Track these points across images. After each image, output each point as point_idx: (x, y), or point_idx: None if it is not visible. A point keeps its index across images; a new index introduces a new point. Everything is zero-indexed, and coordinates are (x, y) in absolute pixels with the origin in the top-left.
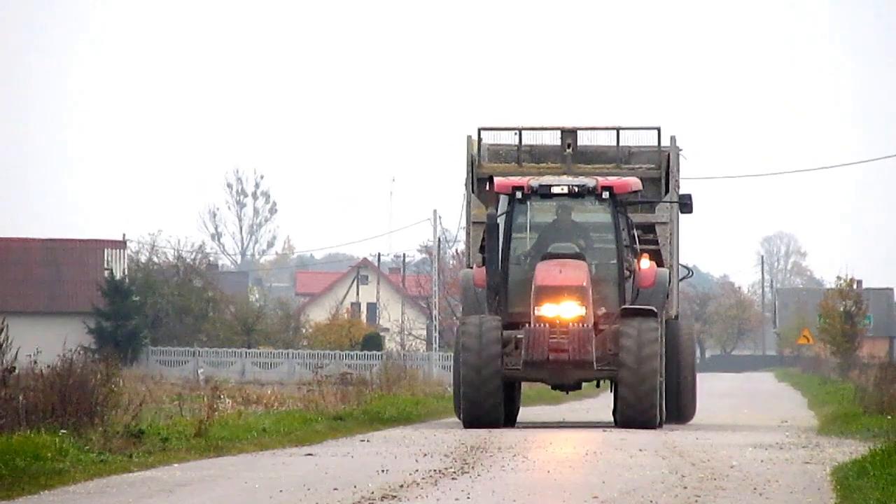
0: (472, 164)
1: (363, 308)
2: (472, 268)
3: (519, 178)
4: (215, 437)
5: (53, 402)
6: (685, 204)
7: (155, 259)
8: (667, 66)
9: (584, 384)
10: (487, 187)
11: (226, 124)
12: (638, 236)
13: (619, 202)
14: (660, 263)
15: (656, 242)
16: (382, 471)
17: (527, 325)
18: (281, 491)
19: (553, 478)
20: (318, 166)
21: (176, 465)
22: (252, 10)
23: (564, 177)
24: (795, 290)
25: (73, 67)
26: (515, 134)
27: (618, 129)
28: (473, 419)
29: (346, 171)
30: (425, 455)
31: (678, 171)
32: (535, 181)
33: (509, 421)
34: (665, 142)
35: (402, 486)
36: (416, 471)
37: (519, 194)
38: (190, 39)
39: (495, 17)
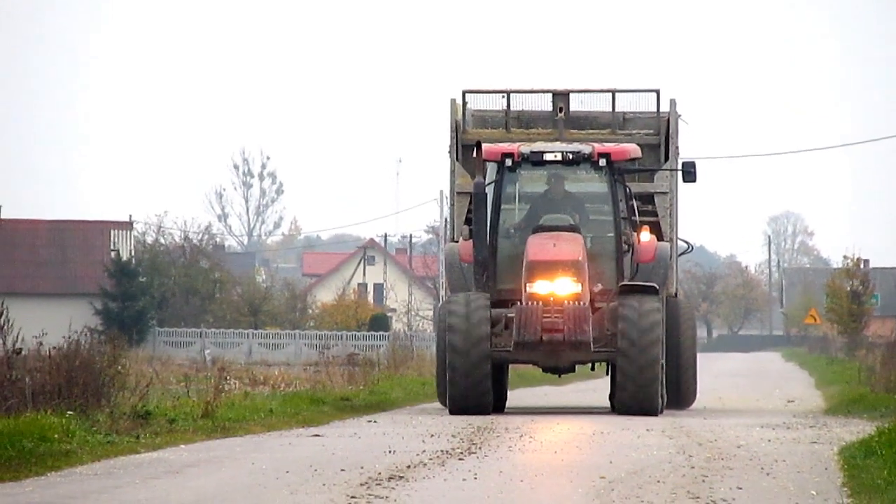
0: (457, 130)
1: (370, 289)
2: (457, 241)
3: (508, 144)
4: (222, 419)
5: (60, 384)
6: (688, 172)
7: (161, 240)
8: (667, 37)
9: (577, 367)
10: (474, 154)
11: (232, 105)
12: (637, 207)
13: (616, 170)
14: (659, 236)
15: (655, 214)
16: (390, 451)
17: (518, 302)
18: (288, 472)
19: (560, 458)
20: (325, 147)
21: (183, 446)
22: None
23: (557, 143)
24: (802, 269)
25: (78, 49)
26: (503, 97)
27: (613, 92)
28: (460, 406)
29: (353, 152)
30: (432, 436)
31: (678, 137)
32: (525, 147)
33: (498, 408)
34: (664, 106)
35: (409, 466)
36: (424, 451)
37: (509, 162)
38: (196, 20)
39: None
